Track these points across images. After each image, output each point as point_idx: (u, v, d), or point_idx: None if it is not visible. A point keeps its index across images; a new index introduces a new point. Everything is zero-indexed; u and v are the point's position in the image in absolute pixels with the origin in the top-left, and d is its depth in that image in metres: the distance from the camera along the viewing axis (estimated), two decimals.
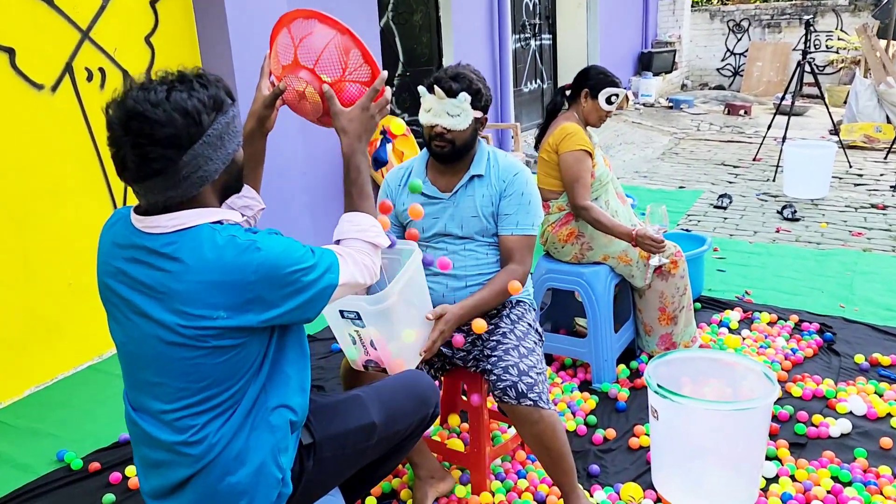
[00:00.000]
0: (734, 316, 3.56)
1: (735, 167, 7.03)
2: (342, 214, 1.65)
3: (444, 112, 2.13)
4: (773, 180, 6.34)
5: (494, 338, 2.18)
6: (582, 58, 9.37)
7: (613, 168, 6.86)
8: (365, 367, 1.97)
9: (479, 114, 2.18)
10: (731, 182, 6.46)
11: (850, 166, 6.67)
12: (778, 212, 5.38)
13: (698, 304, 3.73)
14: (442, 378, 2.42)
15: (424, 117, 2.17)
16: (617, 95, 2.94)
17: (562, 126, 2.91)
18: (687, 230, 5.06)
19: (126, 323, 1.42)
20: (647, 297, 3.03)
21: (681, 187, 6.33)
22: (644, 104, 10.17)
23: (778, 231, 5.00)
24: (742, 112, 9.68)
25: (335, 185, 4.63)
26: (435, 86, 2.13)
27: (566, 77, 9.37)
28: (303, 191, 4.15)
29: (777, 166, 6.41)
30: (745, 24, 12.20)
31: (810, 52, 6.58)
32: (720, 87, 12.16)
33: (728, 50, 12.38)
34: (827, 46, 11.51)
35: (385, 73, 1.67)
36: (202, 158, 1.36)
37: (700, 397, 2.45)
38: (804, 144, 6.06)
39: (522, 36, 7.61)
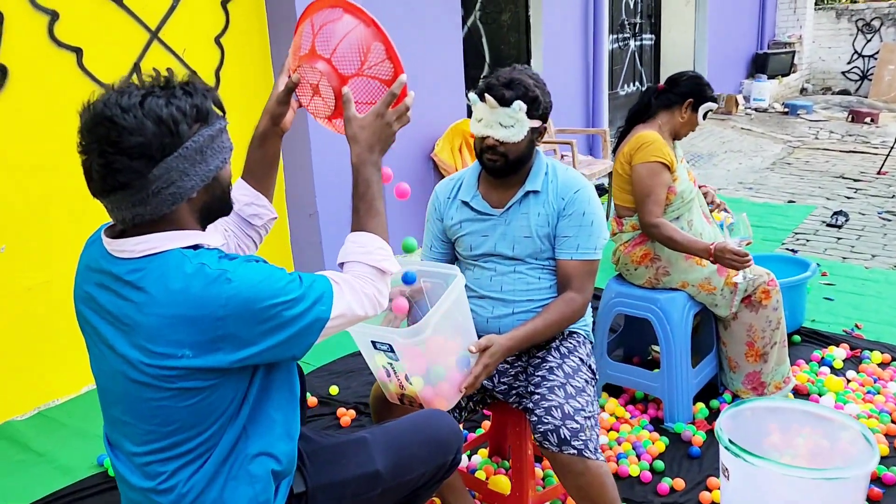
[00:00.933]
0: (839, 353, 3.12)
1: (856, 181, 6.36)
2: (348, 234, 1.47)
3: (497, 122, 1.92)
4: None
5: (540, 372, 1.94)
6: (688, 59, 8.84)
7: (716, 179, 6.36)
8: (400, 401, 1.80)
9: (536, 123, 1.96)
10: (849, 197, 5.83)
11: None
12: None
13: (798, 338, 3.30)
14: (483, 410, 2.20)
15: (475, 127, 1.97)
16: (712, 111, 2.69)
17: (639, 134, 2.62)
18: (793, 251, 4.57)
19: (96, 353, 1.29)
20: (734, 329, 2.67)
21: (790, 201, 5.77)
22: (756, 109, 9.47)
23: None
24: (868, 120, 8.82)
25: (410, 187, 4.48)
26: (486, 93, 1.92)
27: None
28: None
29: None
30: (875, 23, 11.14)
31: None
32: (845, 92, 11.17)
33: (856, 51, 11.36)
34: None
35: (405, 76, 1.46)
36: (176, 173, 1.20)
37: (789, 449, 2.11)
38: None
39: (621, 36, 7.22)
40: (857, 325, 3.46)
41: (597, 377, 2.05)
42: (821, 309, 3.67)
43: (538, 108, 1.95)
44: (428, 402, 1.74)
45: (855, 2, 15.22)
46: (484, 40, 5.81)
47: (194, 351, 1.17)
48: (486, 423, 2.70)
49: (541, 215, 1.99)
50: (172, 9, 3.19)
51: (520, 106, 1.89)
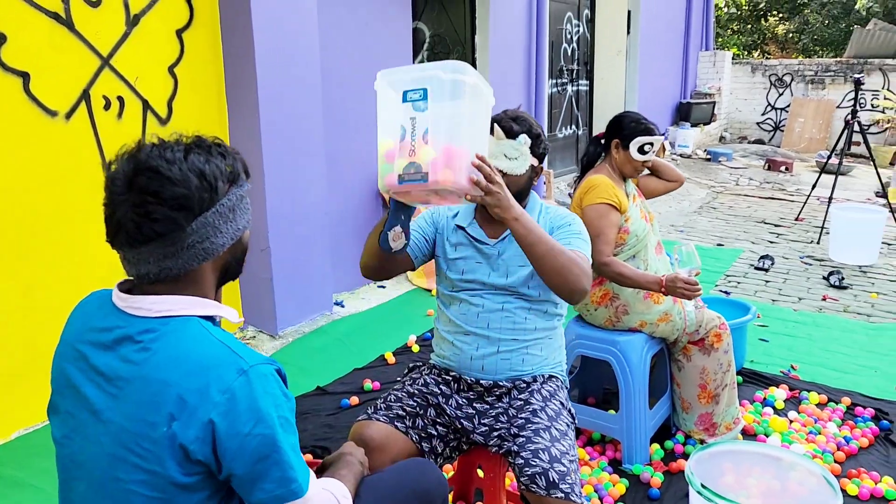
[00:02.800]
0: (780, 394, 3.26)
1: (776, 226, 6.73)
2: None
3: (502, 154, 1.97)
4: (818, 243, 6.03)
5: (523, 415, 1.94)
6: (619, 105, 9.20)
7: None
8: (399, 180, 1.61)
9: (535, 161, 2.04)
10: (772, 242, 6.16)
11: None
12: (824, 278, 5.07)
13: (740, 378, 3.43)
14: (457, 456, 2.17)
15: None
16: (651, 144, 2.69)
17: (587, 179, 2.73)
18: (726, 293, 4.77)
19: (71, 420, 1.21)
20: (687, 370, 2.76)
21: (719, 244, 6.05)
22: (681, 155, 9.93)
23: (825, 299, 4.68)
24: (783, 168, 9.39)
25: (354, 227, 4.45)
26: (495, 125, 1.97)
27: (601, 123, 9.17)
28: (324, 233, 3.96)
29: (822, 228, 6.11)
30: (787, 79, 11.96)
31: (857, 111, 6.33)
32: (760, 142, 11.88)
33: (769, 104, 12.13)
34: (872, 105, 11.20)
35: None
36: (211, 228, 1.21)
37: (743, 490, 2.19)
38: (852, 207, 5.76)
39: (559, 81, 7.46)
40: (792, 367, 3.63)
41: (575, 421, 2.06)
42: (758, 350, 3.84)
43: (539, 146, 2.04)
44: (435, 172, 1.57)
45: (768, 58, 16.30)
46: None
47: (179, 427, 1.12)
48: (448, 467, 2.67)
49: None
50: (126, 36, 3.10)
51: (525, 139, 1.97)
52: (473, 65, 5.94)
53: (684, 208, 7.44)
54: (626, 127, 2.75)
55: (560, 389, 2.07)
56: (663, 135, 2.82)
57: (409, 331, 4.00)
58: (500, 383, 2.03)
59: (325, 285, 4.00)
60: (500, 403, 2.03)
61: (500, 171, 1.96)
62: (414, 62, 5.76)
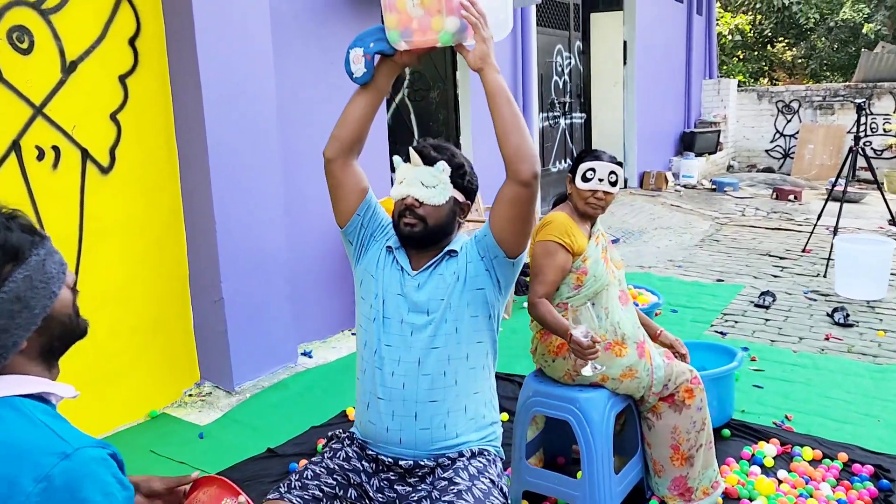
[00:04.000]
0: (770, 450, 2.97)
1: (781, 258, 6.44)
2: None
3: (419, 181, 1.81)
4: (825, 276, 5.73)
5: (447, 497, 1.71)
6: (617, 137, 9.02)
7: (647, 257, 6.32)
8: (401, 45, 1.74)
9: (459, 195, 1.86)
10: (775, 276, 5.86)
11: None
12: (828, 314, 4.77)
13: (728, 432, 3.15)
14: None
15: (395, 190, 1.85)
16: (594, 170, 2.47)
17: (546, 216, 2.54)
18: (722, 333, 4.49)
19: None
20: (658, 430, 2.50)
21: (719, 280, 5.77)
22: (685, 186, 9.69)
23: (828, 338, 4.38)
24: (791, 197, 9.10)
25: (321, 273, 4.26)
26: (411, 151, 1.83)
27: None
28: (284, 281, 3.78)
29: (829, 259, 5.81)
30: (794, 105, 11.71)
31: (866, 136, 6.06)
32: (769, 170, 11.60)
33: (777, 131, 11.88)
34: (885, 130, 10.90)
35: None
36: None
37: None
38: (858, 239, 5.46)
39: (551, 114, 7.30)
40: (787, 417, 3.34)
41: (508, 500, 1.82)
42: (750, 398, 3.55)
43: (462, 178, 1.87)
44: (422, 30, 1.69)
45: (775, 84, 16.07)
46: (412, 117, 5.74)
47: None
48: None
49: (459, 264, 1.85)
50: (62, 83, 2.97)
51: (443, 167, 1.81)
52: (455, 103, 5.80)
53: (685, 242, 7.18)
54: (577, 158, 2.58)
55: (491, 464, 1.83)
56: (619, 163, 2.60)
57: None
58: (422, 462, 1.80)
59: (288, 336, 3.80)
60: (423, 485, 1.80)
61: (417, 200, 1.81)
62: (394, 100, 5.64)
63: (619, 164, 2.56)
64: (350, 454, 1.88)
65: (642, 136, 9.14)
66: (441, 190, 1.82)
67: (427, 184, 1.82)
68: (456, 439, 1.83)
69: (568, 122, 7.66)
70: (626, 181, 9.18)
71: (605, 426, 2.44)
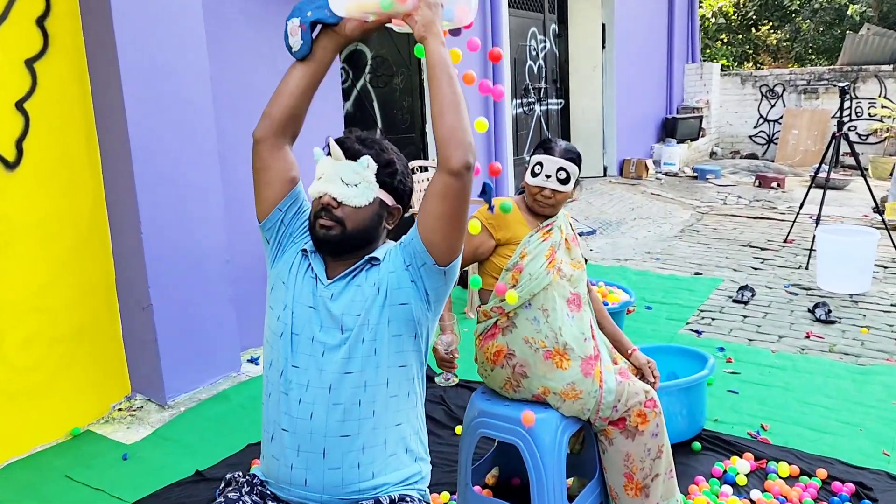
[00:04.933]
0: (743, 466, 2.73)
1: (763, 249, 6.21)
2: None
3: (338, 178, 1.56)
4: (806, 268, 5.50)
5: None
6: (597, 123, 8.75)
7: (624, 249, 6.04)
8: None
9: (387, 198, 1.61)
10: (756, 269, 5.63)
11: None
12: (809, 310, 4.53)
13: (698, 445, 2.91)
14: None
15: (313, 187, 1.60)
16: (541, 164, 2.24)
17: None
18: (697, 332, 4.25)
19: None
20: (611, 455, 2.23)
21: (697, 273, 5.52)
22: (666, 174, 9.44)
23: (808, 336, 4.15)
24: (774, 184, 8.87)
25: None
26: (331, 141, 1.59)
27: (579, 143, 8.74)
28: (226, 282, 3.49)
29: (811, 250, 5.58)
30: (778, 89, 11.47)
31: (850, 121, 5.81)
32: (753, 156, 11.36)
33: (761, 116, 11.64)
34: (870, 114, 10.69)
35: None
36: None
37: None
38: (840, 230, 5.23)
39: (525, 101, 7.01)
40: (762, 427, 3.10)
41: None
42: (725, 404, 3.31)
43: (392, 178, 1.61)
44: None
45: (759, 68, 15.85)
46: (375, 104, 5.45)
47: None
48: None
49: (381, 274, 1.59)
50: None
51: (368, 162, 1.56)
52: (420, 89, 5.50)
53: (664, 232, 6.93)
54: (535, 147, 2.33)
55: None
56: (574, 157, 2.33)
57: None
58: None
59: (229, 343, 3.52)
60: None
61: (334, 200, 1.56)
62: (355, 86, 5.33)
63: (576, 158, 2.30)
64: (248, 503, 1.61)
65: (622, 122, 8.87)
66: (364, 189, 1.57)
67: (348, 181, 1.57)
68: (371, 481, 1.57)
69: (543, 108, 7.37)
70: (605, 169, 8.92)
71: (556, 451, 2.19)
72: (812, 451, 2.88)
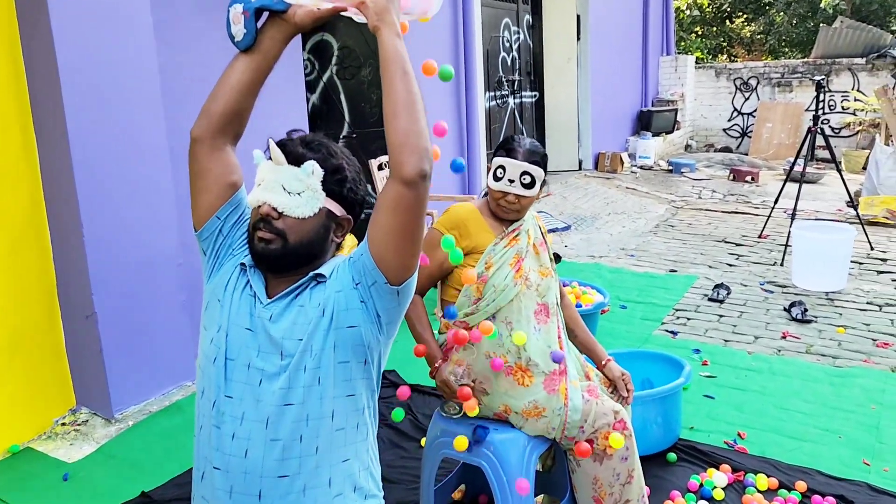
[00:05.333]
0: (720, 479, 2.61)
1: (738, 245, 6.13)
2: None
3: (279, 186, 1.39)
4: (782, 264, 5.42)
5: None
6: (571, 116, 8.63)
7: (598, 245, 5.89)
8: None
9: (336, 207, 1.44)
10: (731, 265, 5.54)
11: (872, 248, 5.74)
12: (785, 309, 4.45)
13: (674, 456, 2.79)
14: None
15: (252, 195, 1.43)
16: (503, 168, 2.09)
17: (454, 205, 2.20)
18: (673, 332, 4.14)
19: None
20: (579, 477, 2.09)
21: (672, 271, 5.42)
22: (642, 167, 9.35)
23: (784, 336, 4.06)
24: (749, 178, 8.82)
25: None
26: (271, 143, 1.42)
27: (554, 136, 8.62)
28: (178, 287, 3.29)
29: (786, 245, 5.50)
30: (752, 82, 11.44)
31: (824, 114, 5.74)
32: (727, 150, 11.33)
33: (735, 109, 11.60)
34: (843, 108, 10.69)
35: None
36: None
37: None
38: (816, 227, 5.15)
39: (499, 93, 6.85)
40: (739, 434, 2.99)
41: None
42: (701, 411, 3.20)
43: (340, 185, 1.44)
44: None
45: (734, 61, 15.87)
46: (342, 97, 5.25)
47: None
48: None
49: (327, 293, 1.41)
50: None
51: (313, 168, 1.39)
52: None
53: (639, 228, 6.83)
54: (496, 147, 2.17)
55: None
56: (539, 160, 2.17)
57: None
58: None
59: (182, 351, 3.32)
60: None
61: (274, 210, 1.39)
62: (321, 78, 5.13)
63: (541, 160, 2.15)
64: None
65: (597, 115, 8.75)
66: (308, 198, 1.40)
67: (290, 189, 1.40)
68: None
69: (517, 101, 7.22)
70: (580, 163, 8.81)
71: (524, 473, 2.04)
72: (791, 460, 2.78)
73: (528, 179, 2.09)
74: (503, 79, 6.89)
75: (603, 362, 2.27)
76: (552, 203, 7.12)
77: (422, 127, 1.34)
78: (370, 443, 1.50)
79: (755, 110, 11.30)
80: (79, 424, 3.06)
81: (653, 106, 10.62)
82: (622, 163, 8.91)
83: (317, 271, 1.43)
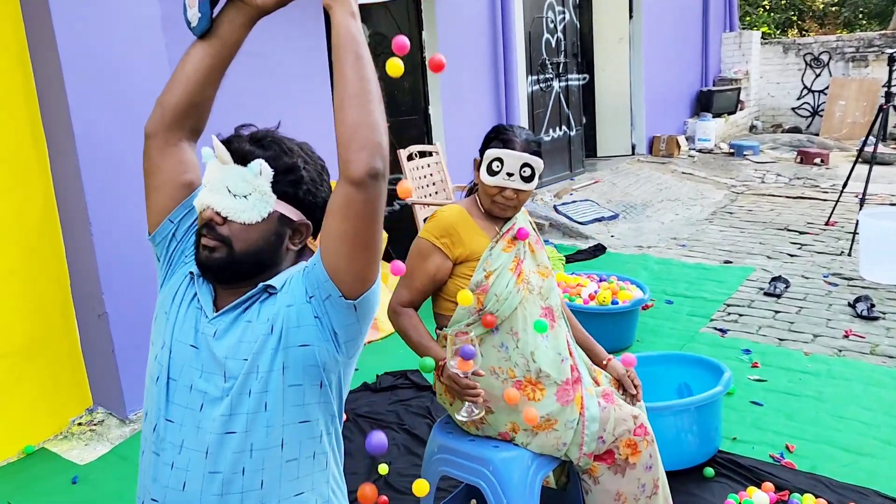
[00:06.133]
0: (760, 499, 2.35)
1: (801, 233, 5.71)
2: None
3: (224, 187, 1.25)
4: (849, 254, 5.01)
5: None
6: (624, 98, 8.26)
7: (647, 234, 5.56)
8: None
9: (291, 212, 1.29)
10: (792, 256, 5.15)
11: None
12: (850, 304, 4.08)
13: (711, 471, 2.54)
14: None
15: (197, 198, 1.30)
16: (501, 161, 1.87)
17: (440, 208, 2.01)
18: (722, 331, 3.84)
19: None
20: (597, 497, 1.89)
21: (726, 262, 5.07)
22: (700, 150, 8.88)
23: (847, 335, 3.71)
24: (818, 160, 8.26)
25: None
26: (214, 140, 1.28)
27: (605, 121, 8.29)
28: None
29: (854, 234, 5.07)
30: (824, 57, 10.72)
31: None
32: (796, 130, 10.68)
33: (805, 87, 10.91)
34: None
35: None
36: None
37: None
38: (886, 214, 4.72)
39: (542, 77, 6.57)
40: (788, 447, 2.71)
41: None
42: (746, 420, 2.93)
43: (296, 187, 1.29)
44: None
45: (804, 35, 14.96)
46: None
47: None
48: None
49: (271, 321, 1.24)
50: None
51: (260, 168, 1.25)
52: (422, 70, 5.12)
53: (693, 215, 6.46)
54: (486, 138, 1.96)
55: None
56: (537, 150, 1.94)
57: None
58: None
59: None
60: None
61: (218, 214, 1.24)
62: None
63: (538, 149, 1.94)
64: None
65: (652, 97, 8.34)
66: (255, 202, 1.25)
67: (235, 191, 1.25)
68: None
69: (563, 84, 6.92)
70: (633, 147, 8.43)
71: (527, 494, 1.85)
72: (845, 478, 2.49)
73: (528, 172, 1.88)
74: (547, 61, 6.60)
75: (604, 362, 2.07)
76: (600, 190, 6.82)
77: (374, 119, 1.17)
78: (332, 473, 1.34)
79: (827, 87, 10.60)
80: (95, 424, 3.03)
81: (714, 85, 10.09)
82: (678, 146, 8.49)
83: (267, 283, 1.28)
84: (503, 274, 1.89)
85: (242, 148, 1.28)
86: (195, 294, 1.32)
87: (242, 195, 1.25)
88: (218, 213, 1.25)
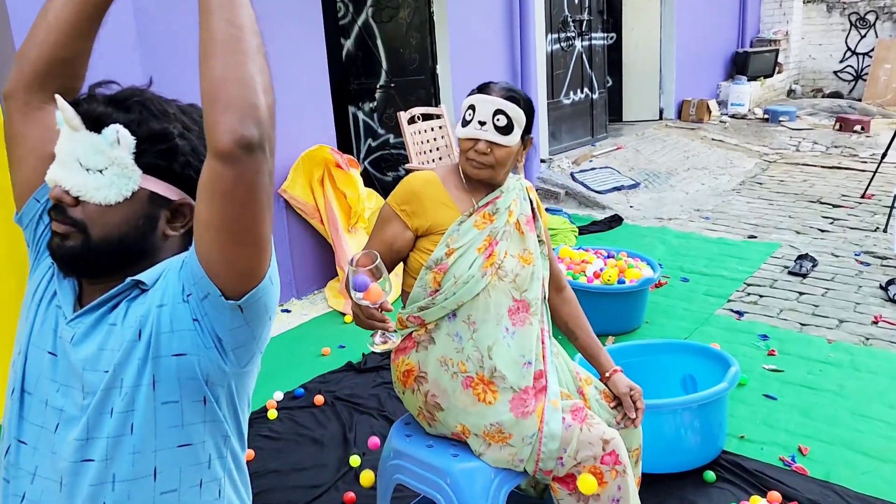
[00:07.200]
0: None
1: (835, 206, 5.34)
2: None
3: (75, 160, 1.01)
4: (885, 230, 4.65)
5: None
6: (654, 59, 7.84)
7: (670, 205, 5.20)
8: None
9: (166, 188, 1.05)
10: (823, 231, 4.81)
11: None
12: (882, 287, 3.75)
13: (711, 475, 2.30)
14: None
15: (48, 173, 1.06)
16: (473, 108, 1.65)
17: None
18: (739, 313, 3.56)
19: None
20: None
21: (751, 237, 4.75)
22: (733, 116, 8.43)
23: (876, 321, 3.40)
24: (858, 128, 7.77)
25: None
26: (58, 100, 1.02)
27: (632, 83, 7.89)
28: None
29: (892, 207, 4.71)
30: (870, 17, 10.07)
31: None
32: (838, 94, 10.11)
33: (849, 49, 10.29)
34: None
35: None
36: None
37: None
38: None
39: (563, 35, 6.20)
40: (800, 450, 2.46)
41: None
42: (756, 416, 2.67)
43: (169, 158, 1.05)
44: None
45: None
46: (379, 43, 4.82)
47: None
48: None
49: (139, 325, 1.02)
50: None
51: (118, 135, 0.99)
52: (430, 26, 4.81)
53: (720, 185, 6.10)
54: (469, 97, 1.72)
55: None
56: (520, 100, 1.68)
57: (286, 380, 3.04)
58: None
59: None
60: None
61: (67, 193, 1.01)
62: (356, 22, 4.73)
63: (521, 100, 1.67)
64: None
65: (683, 58, 7.89)
66: (114, 177, 1.01)
67: (88, 165, 1.01)
68: None
69: (586, 43, 6.53)
70: (661, 112, 8.02)
71: None
72: (862, 488, 2.24)
73: (503, 121, 1.62)
74: (569, 19, 6.22)
75: (608, 373, 1.82)
76: (622, 157, 6.47)
77: (247, 74, 0.91)
78: (225, 500, 1.13)
79: (872, 50, 9.97)
80: None
81: (751, 47, 9.55)
82: (709, 111, 8.05)
83: (137, 277, 1.06)
84: (468, 253, 1.64)
85: (94, 110, 1.02)
86: (55, 291, 1.10)
87: (97, 169, 1.01)
88: (67, 192, 1.01)
